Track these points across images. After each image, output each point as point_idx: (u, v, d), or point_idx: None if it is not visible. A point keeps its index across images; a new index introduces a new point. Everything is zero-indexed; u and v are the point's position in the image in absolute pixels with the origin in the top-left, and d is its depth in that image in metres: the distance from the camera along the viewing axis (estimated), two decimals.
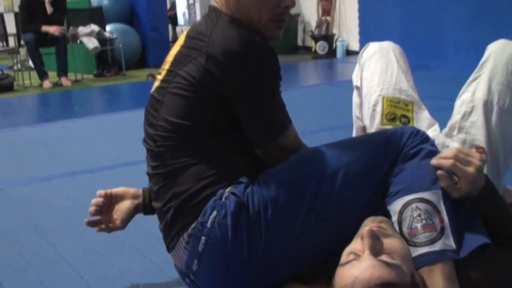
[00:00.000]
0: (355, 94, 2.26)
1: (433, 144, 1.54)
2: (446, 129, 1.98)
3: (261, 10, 1.52)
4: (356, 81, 2.21)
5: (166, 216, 1.54)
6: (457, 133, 1.92)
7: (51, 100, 6.62)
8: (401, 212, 1.43)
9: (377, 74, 2.08)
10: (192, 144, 1.50)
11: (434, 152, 1.51)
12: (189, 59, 1.49)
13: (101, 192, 1.76)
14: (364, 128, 2.17)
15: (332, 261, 1.45)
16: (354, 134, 2.35)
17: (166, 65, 1.57)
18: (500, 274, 1.45)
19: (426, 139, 1.54)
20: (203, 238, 1.45)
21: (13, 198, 2.95)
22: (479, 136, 1.88)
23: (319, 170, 1.48)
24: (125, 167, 3.28)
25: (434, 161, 1.46)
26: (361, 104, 2.18)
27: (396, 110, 2.01)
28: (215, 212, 1.44)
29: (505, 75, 1.91)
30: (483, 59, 1.95)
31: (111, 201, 1.77)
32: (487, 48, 1.98)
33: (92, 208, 1.75)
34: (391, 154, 1.50)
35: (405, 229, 1.41)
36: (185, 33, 1.60)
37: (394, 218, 1.44)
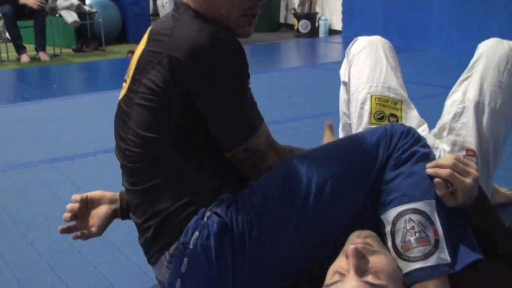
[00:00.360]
0: (342, 90, 2.20)
1: (424, 144, 1.47)
2: (435, 130, 1.94)
3: (232, 4, 1.44)
4: (343, 77, 2.16)
5: (146, 233, 1.48)
6: (447, 134, 1.89)
7: (29, 77, 6.46)
8: (394, 223, 1.38)
9: (366, 71, 2.02)
10: (167, 160, 1.43)
11: (427, 154, 1.45)
12: (151, 64, 1.41)
13: (77, 197, 1.70)
14: (349, 126, 2.13)
15: (319, 270, 1.41)
16: (340, 131, 2.31)
17: (130, 72, 1.49)
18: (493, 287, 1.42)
19: (417, 139, 1.47)
20: (185, 259, 1.39)
21: None
22: (470, 138, 1.84)
23: (304, 183, 1.41)
24: (107, 153, 3.17)
25: (430, 170, 1.40)
26: (348, 101, 2.13)
27: (385, 109, 1.96)
28: (197, 233, 1.38)
29: (496, 75, 1.87)
30: (474, 58, 1.91)
31: (87, 205, 1.70)
32: (478, 47, 1.94)
33: (67, 215, 1.69)
34: (381, 159, 1.43)
35: (398, 242, 1.36)
36: (147, 33, 1.51)
37: (387, 228, 1.39)
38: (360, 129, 1.97)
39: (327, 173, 1.43)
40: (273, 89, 4.79)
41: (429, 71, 5.34)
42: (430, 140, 1.89)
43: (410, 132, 1.47)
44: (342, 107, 2.24)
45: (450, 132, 1.88)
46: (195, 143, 1.43)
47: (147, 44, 1.46)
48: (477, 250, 1.40)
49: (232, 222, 1.38)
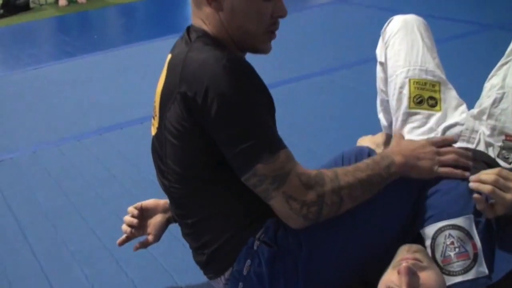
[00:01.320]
0: (379, 68, 2.22)
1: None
2: (475, 112, 1.95)
3: (257, 22, 1.47)
4: (380, 57, 2.17)
5: (199, 257, 1.58)
6: (486, 118, 1.90)
7: (69, 26, 6.54)
8: (434, 238, 1.45)
9: (403, 54, 2.03)
10: (207, 194, 1.49)
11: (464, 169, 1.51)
12: (169, 103, 1.44)
13: (134, 211, 1.79)
14: (387, 102, 2.15)
15: (370, 273, 1.50)
16: (378, 106, 2.35)
17: (156, 109, 1.51)
18: None
19: None
20: (240, 283, 1.49)
21: (44, 161, 3.00)
22: (509, 124, 1.86)
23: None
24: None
25: (473, 184, 1.45)
26: (385, 79, 2.15)
27: (423, 92, 1.98)
28: (249, 261, 1.47)
29: None
30: None
31: (142, 215, 1.80)
32: None
33: (127, 229, 1.79)
34: (420, 180, 1.50)
35: (438, 256, 1.44)
36: (167, 62, 1.53)
37: (427, 242, 1.46)
38: (400, 113, 2.00)
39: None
40: (299, 35, 4.73)
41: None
42: (470, 123, 1.92)
43: None
44: (379, 84, 2.26)
45: (490, 117, 1.89)
46: (227, 176, 1.45)
47: (165, 79, 1.49)
48: None
49: (281, 247, 1.46)
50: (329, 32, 4.87)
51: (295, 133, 2.90)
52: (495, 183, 1.43)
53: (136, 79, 4.20)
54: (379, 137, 2.52)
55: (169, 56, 1.54)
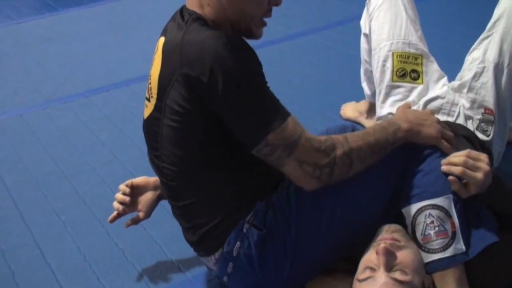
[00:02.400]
0: (363, 39, 2.26)
1: None
2: (455, 84, 2.00)
3: (257, 7, 1.52)
4: (364, 29, 2.21)
5: (190, 237, 1.64)
6: (467, 91, 1.95)
7: None
8: (414, 217, 1.52)
9: (386, 27, 2.07)
10: (200, 178, 1.52)
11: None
12: (169, 85, 1.45)
13: (125, 189, 1.83)
14: (371, 72, 2.19)
15: (355, 249, 1.58)
16: (362, 75, 2.39)
17: (153, 92, 1.52)
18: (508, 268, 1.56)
19: None
20: (230, 263, 1.55)
21: (31, 125, 3.03)
22: (488, 97, 1.91)
23: (334, 186, 1.51)
24: (141, 83, 3.27)
25: (444, 167, 1.51)
26: (369, 51, 2.19)
27: (406, 65, 2.02)
28: (238, 243, 1.53)
29: None
30: (495, 16, 1.92)
31: (132, 192, 1.85)
32: (499, 3, 1.94)
33: (119, 207, 1.83)
34: (402, 160, 1.55)
35: (418, 235, 1.51)
36: (160, 47, 1.53)
37: (409, 221, 1.53)
38: (383, 86, 2.05)
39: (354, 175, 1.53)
40: None
41: None
42: (451, 96, 1.97)
43: None
44: (363, 55, 2.30)
45: (470, 91, 1.94)
46: (223, 158, 1.51)
47: (162, 63, 1.50)
48: (493, 231, 1.54)
49: (270, 230, 1.52)
50: None
51: (279, 96, 2.93)
52: (464, 164, 1.49)
53: (121, 37, 4.18)
54: (362, 105, 2.57)
55: (161, 39, 1.54)
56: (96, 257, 2.03)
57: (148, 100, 1.56)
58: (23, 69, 3.81)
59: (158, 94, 1.50)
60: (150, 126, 1.57)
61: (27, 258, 2.07)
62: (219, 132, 1.47)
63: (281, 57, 3.52)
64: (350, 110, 2.63)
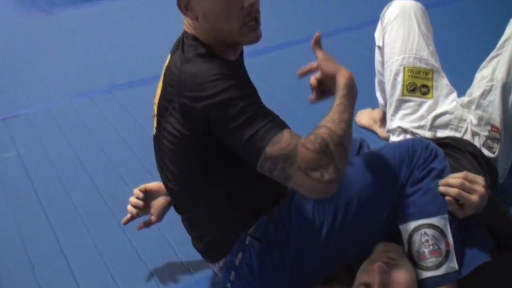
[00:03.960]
0: (377, 51, 2.30)
1: (441, 159, 1.62)
2: (464, 100, 2.04)
3: (229, 20, 1.49)
4: (378, 41, 2.25)
5: (197, 244, 1.73)
6: (475, 108, 1.99)
7: None
8: (411, 235, 1.57)
9: (399, 41, 2.11)
10: (201, 194, 1.60)
11: (442, 170, 1.60)
12: (168, 111, 1.53)
13: (139, 193, 1.92)
14: (384, 83, 2.24)
15: (353, 261, 1.64)
16: (376, 85, 2.44)
17: (155, 110, 1.61)
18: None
19: (435, 155, 1.62)
20: (233, 272, 1.63)
21: (57, 118, 3.14)
22: (495, 115, 1.95)
23: (334, 201, 1.59)
24: None
25: (441, 188, 1.56)
26: (383, 62, 2.23)
27: (417, 80, 2.07)
28: (241, 253, 1.60)
29: None
30: (505, 35, 1.96)
31: (145, 196, 1.93)
32: (510, 22, 1.97)
33: (133, 210, 1.91)
34: (403, 177, 1.60)
35: (414, 252, 1.57)
36: (164, 69, 1.60)
37: (405, 237, 1.59)
38: (394, 99, 2.10)
39: (354, 191, 1.60)
40: None
41: None
42: (459, 112, 2.01)
43: (428, 148, 1.61)
44: (377, 66, 2.35)
45: (478, 108, 1.98)
46: (222, 174, 1.58)
47: (162, 86, 1.58)
48: (486, 251, 1.58)
49: (270, 242, 1.59)
50: None
51: (297, 99, 2.99)
52: (461, 187, 1.54)
53: (149, 30, 4.28)
54: (377, 113, 2.62)
55: (168, 58, 1.62)
56: (111, 253, 2.13)
57: (154, 117, 1.65)
58: (53, 62, 3.93)
59: (158, 115, 1.59)
60: (156, 142, 1.67)
61: (46, 250, 2.17)
62: (217, 151, 1.53)
63: (301, 57, 3.51)
64: (365, 117, 2.68)
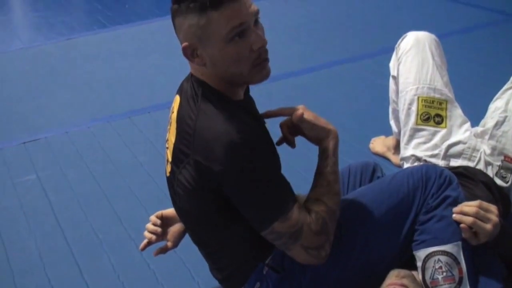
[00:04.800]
0: (391, 81, 2.35)
1: (455, 187, 1.66)
2: (478, 131, 2.08)
3: (239, 65, 1.49)
4: (393, 71, 2.30)
5: (216, 275, 1.77)
6: (488, 138, 2.04)
7: None
8: (425, 261, 1.61)
9: (413, 71, 2.16)
10: (218, 233, 1.63)
11: (456, 198, 1.64)
12: (182, 163, 1.54)
13: (157, 220, 1.95)
14: (398, 112, 2.28)
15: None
16: (390, 113, 2.48)
17: (169, 155, 1.62)
18: None
19: (449, 182, 1.65)
20: None
21: (76, 143, 3.21)
22: (508, 146, 1.99)
23: (350, 229, 1.63)
24: None
25: (456, 216, 1.60)
26: (397, 91, 2.27)
27: (431, 110, 2.11)
28: (258, 283, 1.64)
29: None
30: None
31: (162, 222, 1.96)
32: None
33: (152, 237, 1.94)
34: (417, 204, 1.64)
35: (427, 278, 1.60)
36: (176, 109, 1.60)
37: (419, 264, 1.62)
38: (408, 128, 2.15)
39: (371, 221, 1.64)
40: (325, 19, 4.80)
41: None
42: (473, 142, 2.06)
43: (442, 175, 1.65)
44: (391, 95, 2.40)
45: (491, 138, 2.02)
46: (236, 219, 1.59)
47: (177, 134, 1.56)
48: (499, 279, 1.62)
49: (287, 272, 1.63)
50: (355, 18, 4.93)
51: None
52: (476, 215, 1.58)
53: (165, 57, 4.34)
54: (390, 141, 2.67)
55: (177, 101, 1.61)
56: (129, 276, 2.17)
57: (167, 161, 1.66)
58: (71, 86, 4.01)
59: (172, 163, 1.61)
60: (169, 184, 1.69)
61: (65, 273, 2.22)
62: (230, 202, 1.56)
63: (317, 84, 3.63)
64: (379, 144, 2.72)
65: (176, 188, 1.63)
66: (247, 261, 1.65)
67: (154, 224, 1.94)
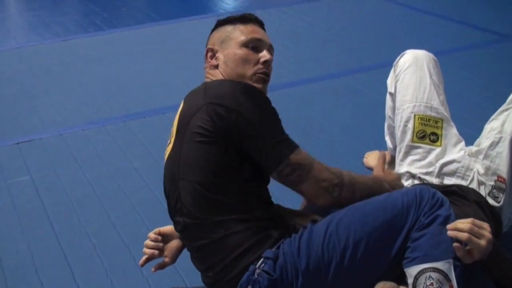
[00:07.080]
0: (388, 97, 2.38)
1: (447, 207, 1.69)
2: (473, 150, 2.12)
3: (245, 67, 1.81)
4: (390, 88, 2.33)
5: (206, 279, 1.80)
6: (482, 158, 2.07)
7: None
8: (416, 278, 1.63)
9: (411, 89, 2.19)
10: (211, 222, 1.69)
11: (447, 217, 1.67)
12: (192, 116, 1.69)
13: (156, 236, 2.00)
14: (393, 128, 2.31)
15: None
16: (385, 129, 2.51)
17: (174, 130, 1.77)
18: None
19: (441, 203, 1.69)
20: None
21: (70, 145, 3.22)
22: (502, 167, 2.02)
23: (343, 240, 1.66)
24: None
25: (451, 232, 1.63)
26: (394, 108, 2.30)
27: (426, 128, 2.14)
28: (250, 286, 1.66)
29: None
30: None
31: (160, 239, 2.01)
32: None
33: (155, 252, 2.00)
34: (409, 222, 1.67)
35: None
36: (181, 105, 1.80)
37: (410, 281, 1.65)
38: (403, 145, 2.18)
39: (364, 232, 1.67)
40: (320, 30, 4.83)
41: None
42: (467, 161, 2.09)
43: (435, 197, 1.69)
44: (388, 112, 2.43)
45: (486, 158, 2.05)
46: (236, 199, 1.69)
47: (182, 109, 1.77)
48: None
49: (280, 275, 1.65)
50: (351, 32, 4.97)
51: (303, 136, 3.06)
52: (470, 231, 1.61)
53: (161, 62, 4.36)
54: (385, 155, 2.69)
55: (183, 103, 1.80)
56: (122, 281, 2.18)
57: (168, 144, 1.80)
58: (66, 87, 4.02)
59: (177, 132, 1.74)
60: (168, 169, 1.79)
61: (58, 277, 2.22)
62: (235, 165, 1.68)
63: (311, 97, 3.66)
64: (373, 159, 2.75)
65: (175, 162, 1.73)
66: (237, 258, 1.67)
67: (155, 241, 1.98)
